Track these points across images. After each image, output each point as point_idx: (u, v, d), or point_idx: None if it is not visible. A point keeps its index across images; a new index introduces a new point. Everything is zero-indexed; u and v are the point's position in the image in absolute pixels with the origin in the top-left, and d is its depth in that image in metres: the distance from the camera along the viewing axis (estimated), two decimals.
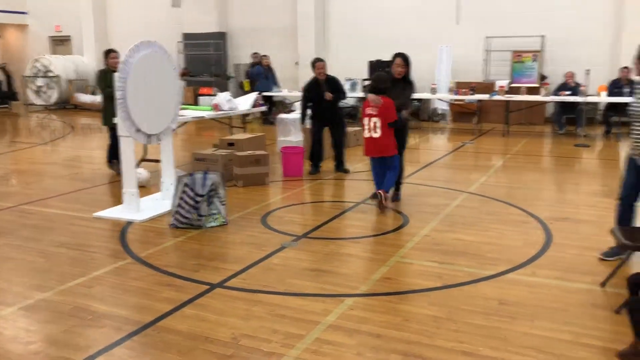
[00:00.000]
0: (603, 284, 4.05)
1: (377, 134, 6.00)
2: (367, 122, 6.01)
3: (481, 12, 14.33)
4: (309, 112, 8.04)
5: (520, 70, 13.67)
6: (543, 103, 12.61)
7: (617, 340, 3.23)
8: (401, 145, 6.37)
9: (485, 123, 13.29)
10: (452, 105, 14.13)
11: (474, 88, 12.32)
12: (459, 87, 12.75)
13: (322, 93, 7.83)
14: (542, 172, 8.35)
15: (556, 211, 5.99)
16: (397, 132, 6.19)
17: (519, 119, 13.32)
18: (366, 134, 6.08)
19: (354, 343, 3.26)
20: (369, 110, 6.00)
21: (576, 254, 4.68)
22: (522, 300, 3.82)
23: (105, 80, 7.60)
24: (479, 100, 12.62)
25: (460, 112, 14.13)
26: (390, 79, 6.21)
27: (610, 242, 4.35)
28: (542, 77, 13.46)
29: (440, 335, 3.35)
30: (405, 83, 6.34)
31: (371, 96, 6.01)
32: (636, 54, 4.13)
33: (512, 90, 12.58)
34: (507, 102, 11.96)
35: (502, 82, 12.48)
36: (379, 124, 5.96)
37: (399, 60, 6.32)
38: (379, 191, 6.02)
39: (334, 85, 7.97)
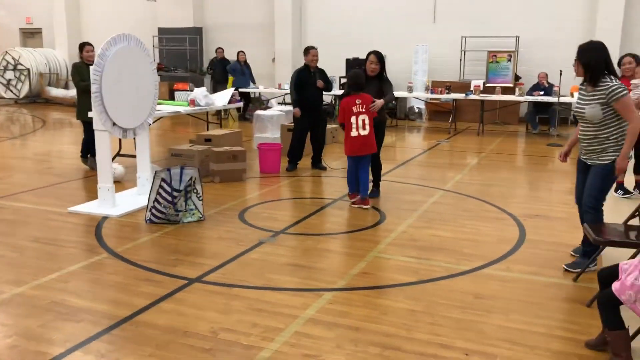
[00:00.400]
0: (575, 279, 4.15)
1: (365, 132, 6.01)
2: (355, 120, 5.97)
3: (457, 11, 14.49)
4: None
5: (495, 70, 13.87)
6: (517, 103, 12.82)
7: (588, 333, 3.32)
8: (379, 142, 6.43)
9: (461, 122, 13.46)
10: (428, 104, 14.27)
11: (449, 87, 12.47)
12: (435, 86, 12.89)
13: (313, 80, 7.82)
14: (516, 171, 8.50)
15: (530, 208, 6.10)
16: (376, 129, 6.22)
17: (494, 118, 13.53)
18: (354, 133, 6.00)
19: (332, 336, 3.29)
20: (356, 109, 5.98)
21: (549, 249, 4.78)
22: (497, 295, 3.89)
23: (79, 73, 7.49)
24: (455, 100, 12.77)
25: (436, 111, 14.28)
26: (364, 77, 6.20)
27: (579, 241, 4.46)
28: (517, 77, 13.68)
29: (418, 328, 3.40)
30: (380, 81, 6.38)
31: (379, 102, 6.06)
32: (576, 55, 4.10)
33: (487, 90, 12.77)
34: (482, 101, 12.13)
35: (478, 82, 12.65)
36: (367, 121, 5.99)
37: (372, 58, 6.34)
38: (365, 199, 6.11)
39: (323, 75, 7.99)
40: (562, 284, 4.11)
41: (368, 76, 6.29)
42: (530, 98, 11.79)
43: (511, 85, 13.28)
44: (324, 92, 8.11)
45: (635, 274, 2.82)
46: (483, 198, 6.54)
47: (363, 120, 5.98)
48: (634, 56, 6.68)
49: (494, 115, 13.48)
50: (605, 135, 4.02)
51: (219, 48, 15.02)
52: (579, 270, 4.14)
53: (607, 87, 3.93)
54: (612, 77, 3.98)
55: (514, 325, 3.46)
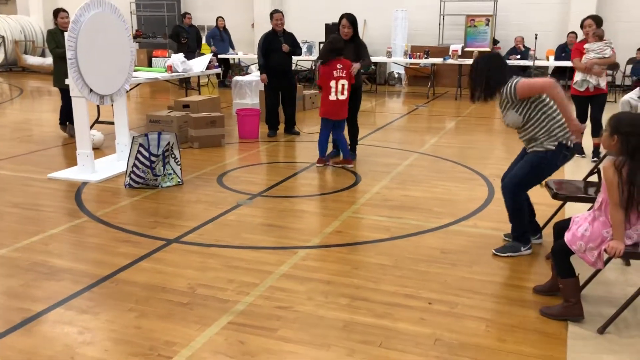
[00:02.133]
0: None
1: (343, 97, 6.15)
2: (335, 84, 6.07)
3: None
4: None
5: (474, 35, 13.93)
6: None
7: (545, 282, 3.52)
8: (356, 107, 6.54)
9: (440, 87, 13.57)
10: (408, 69, 14.34)
11: (428, 52, 12.54)
12: (414, 51, 12.95)
13: (279, 45, 7.85)
14: (491, 134, 8.68)
15: (500, 169, 6.20)
16: (352, 94, 6.34)
17: None
18: (332, 97, 6.12)
19: (304, 289, 3.46)
20: (336, 73, 6.06)
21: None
22: (462, 249, 4.09)
23: (55, 40, 7.44)
24: (433, 64, 12.85)
25: (416, 76, 14.37)
26: (343, 41, 6.28)
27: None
28: (495, 42, 13.77)
29: (386, 280, 3.58)
30: (355, 45, 6.44)
31: (356, 65, 6.15)
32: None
33: (465, 55, 12.86)
34: (460, 65, 12.23)
35: (456, 46, 12.73)
36: (346, 87, 6.10)
37: (344, 22, 6.39)
38: (348, 158, 6.35)
39: (291, 39, 8.02)
40: None
41: (343, 40, 6.33)
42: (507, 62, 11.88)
43: (489, 49, 13.36)
44: (296, 57, 8.13)
45: (585, 226, 3.01)
46: (457, 160, 6.71)
47: (342, 85, 6.10)
48: (594, 18, 6.71)
49: None
50: (535, 130, 3.79)
51: (187, 14, 14.28)
52: (508, 254, 3.95)
53: (503, 91, 3.78)
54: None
55: (476, 276, 3.66)
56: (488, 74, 3.82)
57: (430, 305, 3.27)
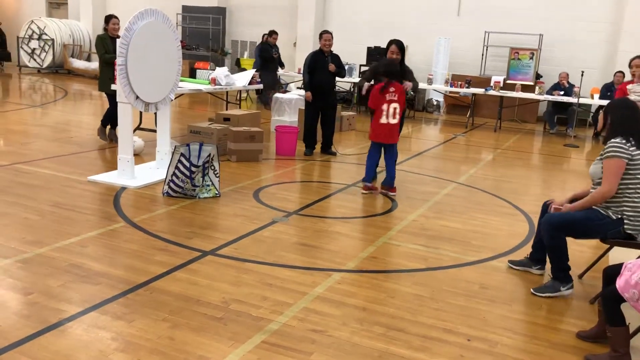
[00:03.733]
0: (580, 276, 4.21)
1: (394, 120, 6.10)
2: (387, 107, 6.03)
3: (483, 6, 14.42)
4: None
5: (517, 68, 13.81)
6: (536, 101, 12.78)
7: (588, 327, 3.39)
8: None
9: (479, 117, 13.45)
10: (447, 97, 14.28)
11: (469, 81, 12.45)
12: (455, 79, 12.88)
13: (326, 64, 7.88)
14: (530, 169, 8.52)
15: (539, 206, 6.13)
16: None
17: (512, 116, 13.51)
18: (383, 120, 6.06)
19: (339, 314, 3.40)
20: (389, 96, 6.02)
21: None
22: (502, 286, 3.97)
23: (104, 45, 7.60)
24: (474, 94, 12.75)
25: (455, 105, 14.28)
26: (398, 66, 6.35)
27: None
28: (538, 76, 13.62)
29: (423, 312, 3.50)
30: (402, 71, 6.43)
31: (408, 83, 6.22)
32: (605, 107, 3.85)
33: (507, 87, 12.74)
34: (501, 97, 12.11)
35: (498, 78, 12.62)
36: (398, 110, 6.07)
37: (394, 48, 6.43)
38: (392, 187, 6.20)
39: (337, 60, 8.05)
40: None
41: (397, 65, 6.35)
42: (549, 97, 11.74)
43: (531, 83, 13.22)
44: (337, 78, 8.17)
45: (639, 273, 2.89)
46: (496, 193, 6.59)
47: (394, 109, 6.05)
48: None
49: (512, 112, 13.45)
50: None
51: (274, 32, 13.29)
52: (547, 294, 3.81)
53: (608, 144, 3.67)
54: (623, 137, 3.64)
55: (516, 315, 3.54)
56: (623, 122, 3.68)
57: (469, 342, 3.17)
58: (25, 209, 4.93)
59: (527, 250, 4.73)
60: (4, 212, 4.80)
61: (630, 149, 3.61)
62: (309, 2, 16.06)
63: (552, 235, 3.77)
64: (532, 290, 3.90)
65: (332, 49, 8.06)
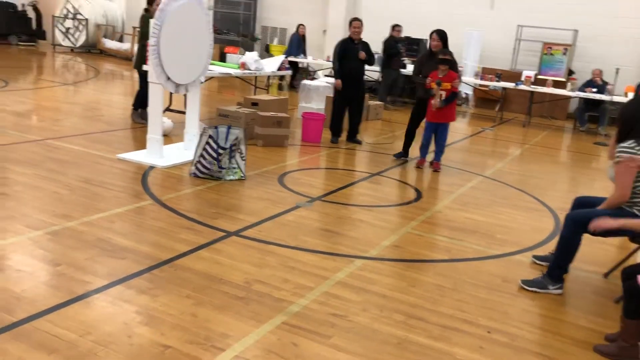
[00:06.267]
0: (606, 275, 4.16)
1: (443, 104, 6.66)
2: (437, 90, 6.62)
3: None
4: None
5: (549, 63, 13.56)
6: (568, 98, 12.54)
7: (611, 327, 3.35)
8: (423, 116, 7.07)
9: (508, 112, 13.27)
10: (476, 90, 14.10)
11: (500, 75, 12.27)
12: (485, 72, 12.71)
13: (356, 52, 7.85)
14: (558, 165, 8.39)
15: (568, 202, 6.02)
16: (422, 106, 6.88)
17: (542, 111, 13.30)
18: (433, 102, 6.69)
19: (360, 300, 3.41)
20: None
21: (583, 243, 4.76)
22: None
23: (147, 25, 7.62)
24: (504, 88, 12.57)
25: (484, 98, 14.11)
26: (430, 55, 6.92)
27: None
28: (570, 72, 13.36)
29: (443, 303, 3.49)
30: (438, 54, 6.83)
31: (456, 82, 6.69)
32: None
33: (538, 82, 12.52)
34: (532, 92, 11.92)
35: (529, 72, 12.41)
36: (444, 95, 6.61)
37: (435, 36, 6.85)
38: (438, 163, 6.98)
39: (366, 48, 8.01)
40: (593, 278, 4.13)
41: (431, 52, 6.92)
42: (581, 94, 11.52)
43: (563, 79, 12.98)
44: (366, 67, 8.14)
45: None
46: (522, 188, 6.52)
47: (440, 95, 6.60)
48: None
49: (542, 108, 13.24)
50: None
51: (397, 25, 12.65)
52: (533, 289, 3.75)
53: (617, 148, 3.57)
54: (635, 140, 3.52)
55: (538, 310, 3.52)
56: (634, 123, 3.56)
57: (489, 334, 3.16)
58: (55, 183, 5.03)
59: (551, 246, 4.67)
60: (36, 186, 4.91)
61: None
62: None
63: (572, 229, 3.71)
64: (520, 281, 3.85)
65: (361, 37, 8.02)
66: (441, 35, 6.83)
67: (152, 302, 3.14)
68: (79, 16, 18.29)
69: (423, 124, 7.09)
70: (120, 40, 19.27)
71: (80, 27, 18.31)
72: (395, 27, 12.37)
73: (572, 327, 3.36)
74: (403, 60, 12.60)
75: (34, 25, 19.13)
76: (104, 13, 18.89)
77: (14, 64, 13.93)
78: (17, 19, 18.60)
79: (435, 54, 6.78)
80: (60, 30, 18.63)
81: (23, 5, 19.17)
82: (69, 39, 18.58)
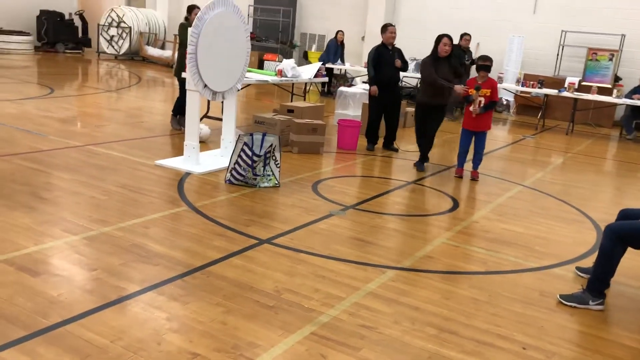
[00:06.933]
0: None
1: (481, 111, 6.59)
2: (475, 97, 6.54)
3: (560, 4, 13.84)
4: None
5: (594, 69, 13.17)
6: (614, 105, 12.15)
7: None
8: (438, 124, 7.14)
9: (550, 119, 12.95)
10: (518, 97, 13.81)
11: (542, 82, 11.98)
12: (527, 79, 12.43)
13: (391, 59, 7.78)
14: (602, 175, 8.12)
15: (612, 214, 5.81)
16: (438, 112, 7.01)
17: (586, 119, 12.92)
18: (472, 109, 6.59)
19: (391, 312, 3.35)
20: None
21: (626, 257, 4.57)
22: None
23: (186, 34, 7.76)
24: (546, 95, 12.27)
25: (525, 105, 13.80)
26: (435, 59, 6.88)
27: None
28: (617, 78, 12.95)
29: (478, 316, 3.40)
30: (450, 62, 6.93)
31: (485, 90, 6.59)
32: None
33: (582, 89, 12.17)
34: (576, 99, 11.59)
35: (573, 79, 12.07)
36: (483, 102, 6.53)
37: (446, 40, 6.84)
38: (473, 172, 6.85)
39: (400, 54, 7.94)
40: (637, 294, 3.95)
41: (440, 57, 6.85)
42: (628, 101, 11.14)
43: (609, 86, 12.58)
44: (401, 72, 8.08)
45: None
46: (563, 198, 6.32)
47: (480, 102, 6.52)
48: None
49: (586, 115, 12.86)
50: None
51: (466, 34, 11.76)
52: (573, 304, 3.62)
53: None
54: None
55: (577, 327, 3.38)
56: None
57: (525, 350, 3.06)
58: (94, 188, 5.14)
59: (593, 259, 4.51)
60: (75, 191, 5.03)
61: None
62: None
63: (612, 241, 3.56)
64: (558, 295, 3.72)
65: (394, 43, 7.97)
66: (452, 40, 6.84)
67: (182, 309, 3.16)
68: (122, 24, 18.76)
69: (457, 130, 7.04)
70: (162, 47, 19.67)
71: (124, 34, 18.78)
72: (464, 36, 11.70)
73: (615, 345, 3.22)
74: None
75: (80, 33, 19.70)
76: (147, 21, 19.34)
77: (60, 71, 14.38)
78: (65, 28, 19.21)
79: (449, 57, 6.87)
80: (104, 38, 19.15)
81: (70, 14, 19.79)
82: (112, 46, 19.08)
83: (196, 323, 3.02)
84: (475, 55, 12.52)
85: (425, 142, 7.20)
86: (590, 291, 3.63)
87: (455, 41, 11.76)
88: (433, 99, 6.92)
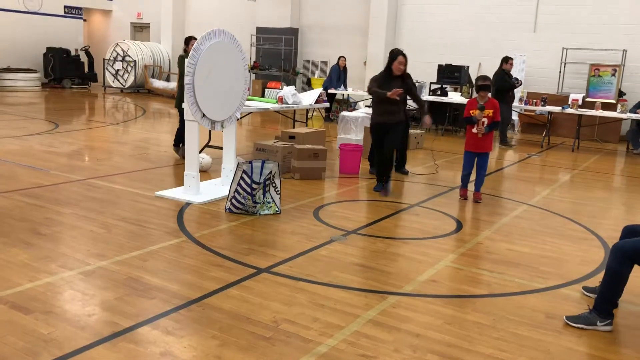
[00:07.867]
0: None
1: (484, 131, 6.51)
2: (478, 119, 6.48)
3: (560, 22, 13.88)
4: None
5: (597, 85, 13.13)
6: (619, 120, 12.07)
7: None
8: (396, 142, 6.95)
9: (555, 136, 12.87)
10: (522, 115, 13.77)
11: (545, 99, 11.94)
12: (531, 97, 12.41)
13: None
14: (610, 191, 8.00)
15: (620, 231, 5.71)
16: (393, 132, 6.75)
17: (592, 135, 12.83)
18: (474, 130, 6.52)
19: (392, 339, 3.26)
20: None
21: (635, 276, 4.46)
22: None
23: (184, 65, 7.82)
24: (550, 112, 12.22)
25: (530, 123, 13.75)
26: (388, 75, 6.71)
27: None
28: (620, 93, 12.88)
29: (482, 341, 3.30)
30: (403, 81, 6.75)
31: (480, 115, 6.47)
32: None
33: (586, 105, 12.11)
34: (580, 116, 11.52)
35: (576, 96, 12.03)
36: (486, 123, 6.45)
37: (402, 59, 6.66)
38: (476, 195, 6.72)
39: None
40: None
41: (392, 75, 6.69)
42: (633, 116, 11.05)
43: (613, 101, 12.51)
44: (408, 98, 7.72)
45: None
46: (570, 216, 6.21)
47: (483, 122, 6.43)
48: None
49: (592, 131, 12.78)
50: None
51: (509, 58, 11.65)
52: (580, 326, 3.51)
53: None
54: None
55: (585, 349, 3.27)
56: None
57: None
58: (92, 222, 5.12)
59: (600, 277, 4.40)
60: (73, 225, 5.01)
61: None
62: (380, 21, 16.05)
63: (619, 260, 3.46)
64: (565, 317, 3.61)
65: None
66: (406, 59, 6.70)
67: (177, 343, 3.09)
68: (127, 58, 19.02)
69: (460, 151, 6.94)
70: (167, 79, 19.90)
71: (129, 68, 19.02)
72: (509, 60, 11.36)
73: None
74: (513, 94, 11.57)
75: (86, 68, 19.99)
76: (151, 54, 19.61)
77: (66, 107, 14.54)
78: (71, 64, 19.51)
79: (401, 76, 6.69)
80: (110, 72, 19.41)
81: (76, 50, 20.11)
82: (118, 80, 19.32)
83: (191, 357, 2.95)
84: (474, 76, 12.53)
85: (379, 163, 6.94)
86: (597, 312, 3.52)
87: (497, 63, 11.59)
88: (381, 117, 6.74)
